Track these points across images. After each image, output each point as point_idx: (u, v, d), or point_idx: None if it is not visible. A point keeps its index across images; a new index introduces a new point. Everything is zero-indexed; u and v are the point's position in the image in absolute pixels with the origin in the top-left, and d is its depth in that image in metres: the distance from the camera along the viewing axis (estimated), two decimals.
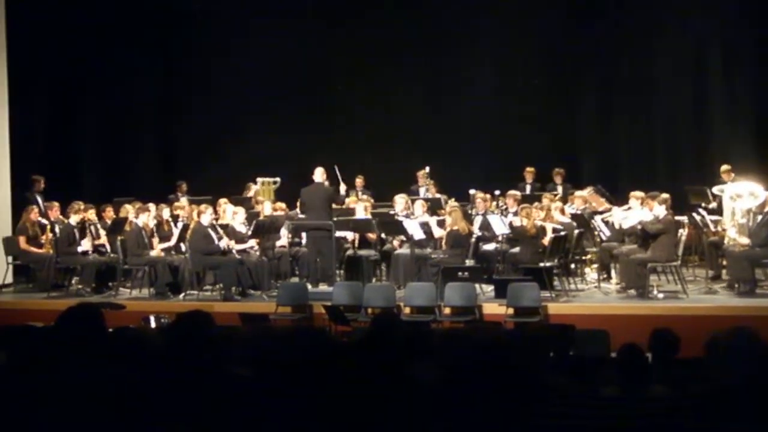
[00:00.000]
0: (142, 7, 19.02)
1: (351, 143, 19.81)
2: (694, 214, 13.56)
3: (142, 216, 13.94)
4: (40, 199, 15.44)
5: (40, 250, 14.21)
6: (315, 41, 19.23)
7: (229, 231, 13.70)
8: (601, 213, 14.23)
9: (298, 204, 15.24)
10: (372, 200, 15.95)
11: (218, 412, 4.00)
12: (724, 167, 15.22)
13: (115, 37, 18.87)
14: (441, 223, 13.89)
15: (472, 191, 15.53)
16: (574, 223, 13.77)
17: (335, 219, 13.90)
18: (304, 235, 14.45)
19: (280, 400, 3.93)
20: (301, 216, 14.62)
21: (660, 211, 12.70)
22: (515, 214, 14.01)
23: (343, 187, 16.40)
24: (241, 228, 13.99)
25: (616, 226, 13.56)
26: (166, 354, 4.41)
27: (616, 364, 5.78)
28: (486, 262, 13.63)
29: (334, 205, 14.34)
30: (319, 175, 14.18)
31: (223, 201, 14.86)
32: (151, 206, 14.45)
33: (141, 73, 19.48)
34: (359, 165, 18.87)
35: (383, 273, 14.44)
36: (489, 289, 12.77)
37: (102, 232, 14.49)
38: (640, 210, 13.21)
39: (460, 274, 12.40)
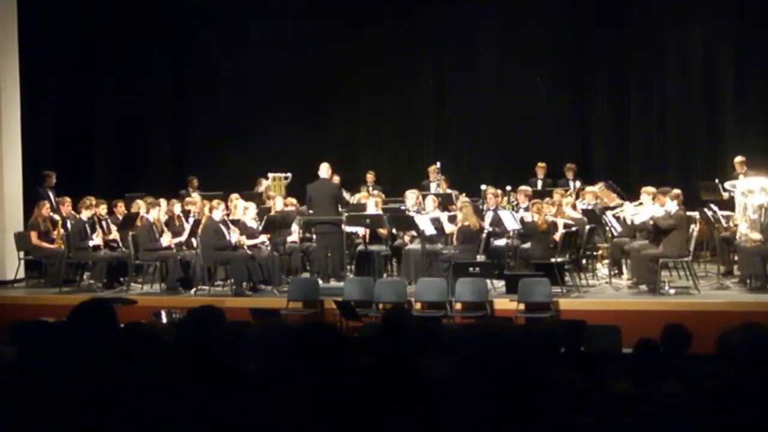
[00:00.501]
0: (154, 5, 19.05)
1: (362, 139, 19.88)
2: (706, 210, 13.53)
3: (153, 211, 13.97)
4: (51, 195, 15.47)
5: (51, 246, 14.24)
6: (327, 38, 19.22)
7: (240, 226, 13.71)
8: (612, 208, 14.21)
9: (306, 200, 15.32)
10: (383, 195, 15.94)
11: (229, 406, 4.01)
12: (738, 158, 15.20)
13: (126, 34, 18.94)
14: (452, 219, 13.88)
15: (483, 187, 15.52)
16: (586, 219, 13.75)
17: (347, 214, 13.91)
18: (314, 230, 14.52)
19: (291, 395, 3.93)
20: (310, 212, 14.67)
21: (671, 206, 12.68)
22: (526, 209, 14.00)
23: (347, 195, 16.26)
24: (252, 223, 14.00)
25: (628, 222, 13.53)
26: (178, 349, 4.43)
27: (633, 359, 5.77)
28: (497, 258, 13.61)
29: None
30: (324, 170, 14.19)
31: (234, 196, 14.88)
32: (162, 201, 14.48)
33: (152, 69, 19.53)
34: (370, 160, 18.91)
35: (394, 268, 14.45)
36: (500, 284, 12.74)
37: (113, 227, 14.53)
38: (652, 205, 13.18)
39: (471, 269, 12.38)
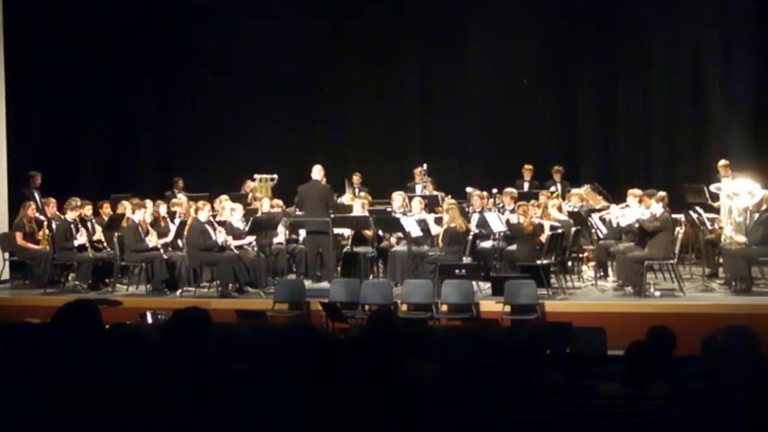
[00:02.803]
0: (141, 6, 19.00)
1: (348, 140, 19.89)
2: (691, 212, 13.57)
3: (139, 212, 13.91)
4: (37, 195, 15.41)
5: (36, 247, 14.18)
6: (312, 39, 19.23)
7: (227, 227, 13.69)
8: (598, 211, 14.23)
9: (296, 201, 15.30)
10: (369, 197, 15.95)
11: (215, 408, 4.00)
12: (722, 162, 15.28)
13: (114, 35, 18.86)
14: (438, 221, 13.88)
15: (468, 189, 15.52)
16: (571, 221, 13.77)
17: (332, 216, 13.91)
18: (302, 232, 14.49)
19: (277, 396, 3.92)
20: (298, 213, 14.65)
21: (657, 208, 12.71)
22: (512, 211, 14.01)
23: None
24: (239, 224, 13.98)
25: (614, 224, 13.56)
26: (163, 350, 4.42)
27: (626, 362, 5.77)
28: (483, 260, 13.61)
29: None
30: (316, 172, 14.19)
31: (223, 197, 14.87)
32: (148, 203, 14.43)
33: (139, 70, 19.48)
34: (357, 162, 18.90)
35: (380, 270, 14.44)
36: (486, 286, 12.77)
37: (98, 228, 14.48)
38: (638, 208, 13.21)
39: (457, 271, 12.39)
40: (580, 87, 19.09)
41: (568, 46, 18.82)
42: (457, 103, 19.35)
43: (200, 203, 13.78)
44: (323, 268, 13.84)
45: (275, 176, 16.86)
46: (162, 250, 13.76)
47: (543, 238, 12.92)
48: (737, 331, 4.51)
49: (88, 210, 14.65)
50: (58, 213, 14.68)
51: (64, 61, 18.44)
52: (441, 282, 12.18)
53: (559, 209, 14.12)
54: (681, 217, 13.65)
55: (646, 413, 4.52)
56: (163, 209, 14.66)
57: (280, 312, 12.24)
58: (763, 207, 12.75)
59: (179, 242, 13.99)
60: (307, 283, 13.20)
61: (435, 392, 4.16)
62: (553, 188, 16.49)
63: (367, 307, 12.04)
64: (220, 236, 13.45)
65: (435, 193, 16.08)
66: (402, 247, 13.64)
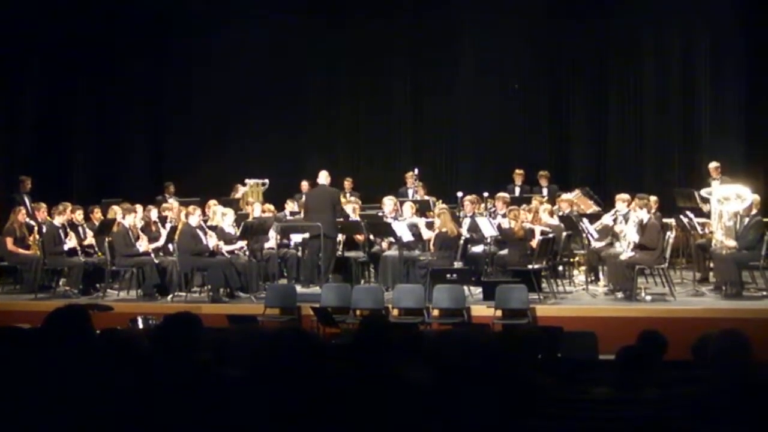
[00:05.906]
0: (133, 12, 18.97)
1: (340, 145, 19.90)
2: (682, 217, 13.58)
3: (129, 217, 13.87)
4: (27, 200, 15.36)
5: (27, 252, 14.13)
6: (304, 44, 19.23)
7: (218, 232, 13.67)
8: (590, 216, 14.23)
9: (286, 204, 15.29)
10: (360, 202, 15.94)
11: (206, 413, 3.99)
12: (713, 164, 15.28)
13: (105, 39, 18.83)
14: (430, 225, 13.88)
15: (459, 194, 15.51)
16: (563, 226, 13.77)
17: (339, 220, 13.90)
18: (293, 237, 14.46)
19: (269, 401, 3.92)
20: (289, 217, 14.63)
21: (642, 214, 12.69)
22: (504, 216, 14.01)
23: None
24: (230, 229, 13.96)
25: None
26: (154, 355, 4.41)
27: (617, 367, 5.78)
28: (474, 264, 13.61)
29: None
30: (323, 178, 14.18)
31: (212, 202, 14.85)
32: (138, 207, 14.40)
33: (131, 74, 19.45)
34: (348, 167, 18.90)
35: (371, 275, 14.43)
36: (477, 291, 12.76)
37: (89, 233, 14.44)
38: (626, 227, 13.11)
39: (448, 276, 12.37)
40: (571, 92, 19.11)
41: (560, 50, 18.84)
42: (448, 108, 19.36)
43: (191, 208, 13.75)
44: (318, 272, 13.79)
45: (266, 181, 16.86)
46: (153, 255, 13.74)
47: (534, 242, 12.93)
48: (728, 336, 4.53)
49: (79, 215, 14.60)
50: (48, 218, 14.62)
51: (54, 65, 18.41)
52: (432, 287, 12.16)
53: (551, 214, 14.12)
54: (672, 221, 13.67)
55: (637, 418, 4.52)
56: (154, 214, 14.64)
57: (272, 317, 12.20)
58: (753, 211, 12.79)
59: (170, 247, 13.96)
60: (299, 288, 13.18)
61: (427, 396, 4.16)
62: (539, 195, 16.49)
63: (358, 312, 12.01)
64: (211, 241, 13.43)
65: (426, 197, 16.07)
66: (393, 252, 13.63)
